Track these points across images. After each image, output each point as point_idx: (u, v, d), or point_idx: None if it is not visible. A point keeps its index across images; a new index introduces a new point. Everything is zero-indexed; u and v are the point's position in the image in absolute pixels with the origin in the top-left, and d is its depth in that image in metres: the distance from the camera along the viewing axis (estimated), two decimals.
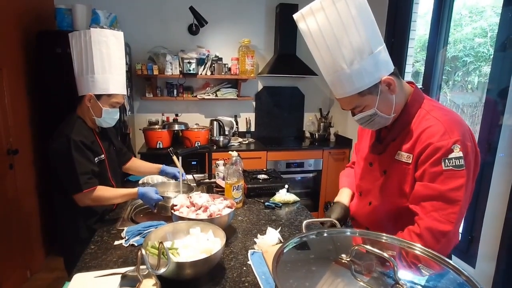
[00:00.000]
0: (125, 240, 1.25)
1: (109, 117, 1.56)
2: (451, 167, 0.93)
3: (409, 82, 1.11)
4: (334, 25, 0.94)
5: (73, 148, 1.40)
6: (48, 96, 2.53)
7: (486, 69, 2.30)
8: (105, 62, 1.50)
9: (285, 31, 3.34)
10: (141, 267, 0.85)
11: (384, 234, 0.82)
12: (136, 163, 1.90)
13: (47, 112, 2.56)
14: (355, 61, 0.95)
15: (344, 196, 1.33)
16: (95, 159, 1.52)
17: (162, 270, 0.86)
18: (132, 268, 0.92)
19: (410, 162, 1.02)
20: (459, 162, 0.93)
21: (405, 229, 1.02)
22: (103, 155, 1.58)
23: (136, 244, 1.23)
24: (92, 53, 1.47)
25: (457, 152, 0.93)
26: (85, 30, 1.49)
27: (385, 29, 2.62)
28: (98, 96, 1.50)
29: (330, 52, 0.97)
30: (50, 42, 2.44)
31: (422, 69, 2.44)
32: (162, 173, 1.82)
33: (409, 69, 2.67)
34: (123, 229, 1.33)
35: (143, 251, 0.84)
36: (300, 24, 1.00)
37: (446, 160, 0.93)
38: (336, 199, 1.33)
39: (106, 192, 1.48)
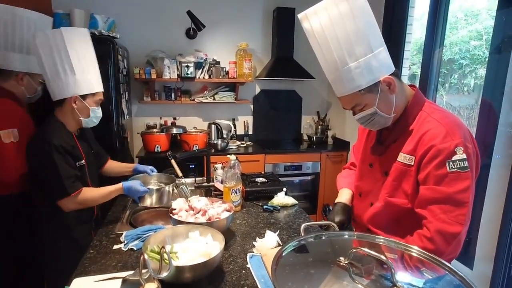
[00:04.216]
0: (124, 244, 1.26)
1: (95, 116, 1.55)
2: (456, 169, 0.94)
3: (410, 85, 1.13)
4: (336, 25, 0.97)
5: (55, 153, 1.38)
6: (46, 99, 2.52)
7: (482, 71, 2.32)
8: (82, 61, 1.47)
9: (282, 35, 3.36)
10: (143, 271, 0.86)
11: (382, 237, 0.82)
12: (112, 165, 1.87)
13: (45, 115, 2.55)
14: (355, 60, 0.98)
15: (344, 196, 1.32)
16: (76, 164, 1.50)
17: (164, 274, 0.86)
18: (131, 272, 0.92)
19: (412, 164, 1.03)
20: (464, 164, 0.94)
21: (415, 233, 1.02)
22: (83, 160, 1.55)
23: (135, 248, 1.23)
24: (68, 53, 1.43)
25: (460, 154, 0.94)
26: (53, 30, 1.44)
27: (381, 32, 2.64)
28: (83, 96, 1.48)
29: (332, 51, 1.00)
30: None
31: (419, 71, 2.47)
32: (135, 171, 1.79)
33: (405, 72, 2.69)
34: (122, 233, 1.33)
35: (146, 256, 0.84)
36: (304, 24, 1.03)
37: (451, 162, 0.94)
38: (336, 200, 1.33)
39: (92, 193, 1.47)
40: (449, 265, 0.71)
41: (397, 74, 1.04)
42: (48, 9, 2.87)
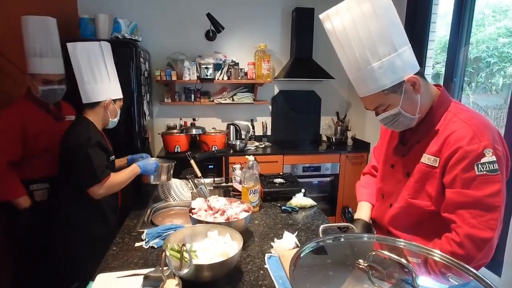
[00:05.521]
0: (145, 242, 1.29)
1: (118, 119, 1.78)
2: (485, 172, 0.91)
3: (436, 85, 1.10)
4: (359, 25, 0.96)
5: (91, 147, 1.53)
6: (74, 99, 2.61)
7: (511, 70, 2.22)
8: (113, 70, 1.72)
9: (301, 35, 3.34)
10: (164, 268, 0.88)
11: (402, 240, 0.81)
12: None
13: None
14: (378, 60, 0.96)
15: (364, 212, 1.30)
16: (110, 159, 1.67)
17: (185, 271, 0.88)
18: (152, 269, 0.95)
19: (436, 165, 1.00)
20: (493, 167, 0.90)
21: (443, 236, 0.99)
22: (113, 156, 1.74)
23: (155, 246, 1.26)
24: (105, 63, 1.66)
25: (489, 157, 0.90)
26: (92, 42, 1.64)
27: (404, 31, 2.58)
28: (114, 100, 1.71)
29: (354, 51, 0.98)
30: None
31: (443, 70, 2.39)
32: (130, 161, 1.88)
33: (429, 71, 2.61)
34: (143, 232, 1.37)
35: (167, 253, 0.87)
36: (325, 24, 1.02)
37: (479, 165, 0.91)
38: (356, 216, 1.31)
39: (117, 177, 1.61)
40: (474, 271, 0.68)
41: (422, 73, 1.01)
42: (74, 14, 3.00)
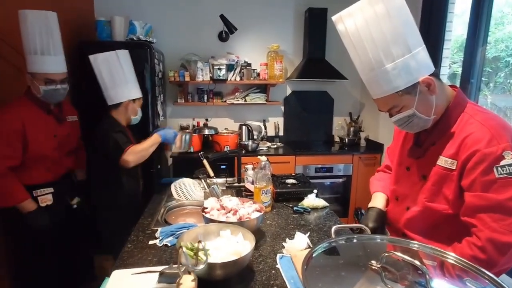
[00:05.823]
0: (159, 240, 1.31)
1: (139, 116, 2.05)
2: (505, 175, 0.89)
3: (452, 86, 1.08)
4: (372, 26, 0.95)
5: (116, 133, 1.82)
6: (89, 100, 2.66)
7: None
8: (130, 73, 1.96)
9: (314, 35, 3.33)
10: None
11: (416, 242, 0.80)
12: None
13: (87, 115, 2.69)
14: (392, 61, 0.95)
15: (378, 201, 1.29)
16: None
17: (200, 267, 0.90)
18: (167, 266, 0.97)
19: (454, 168, 0.98)
20: None
21: (463, 240, 0.97)
22: None
23: (169, 244, 1.28)
24: (122, 69, 1.90)
25: (509, 159, 0.88)
26: (110, 52, 1.88)
27: (419, 30, 2.53)
28: (133, 100, 1.96)
29: (367, 51, 0.97)
30: (91, 51, 2.57)
31: (460, 70, 2.34)
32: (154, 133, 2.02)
33: (444, 71, 2.56)
34: (157, 230, 1.39)
35: (184, 250, 0.88)
36: (338, 26, 1.02)
37: (499, 168, 0.89)
38: (370, 205, 1.29)
39: (139, 146, 1.83)
40: (491, 274, 0.67)
41: (437, 74, 1.00)
42: (91, 17, 3.07)
